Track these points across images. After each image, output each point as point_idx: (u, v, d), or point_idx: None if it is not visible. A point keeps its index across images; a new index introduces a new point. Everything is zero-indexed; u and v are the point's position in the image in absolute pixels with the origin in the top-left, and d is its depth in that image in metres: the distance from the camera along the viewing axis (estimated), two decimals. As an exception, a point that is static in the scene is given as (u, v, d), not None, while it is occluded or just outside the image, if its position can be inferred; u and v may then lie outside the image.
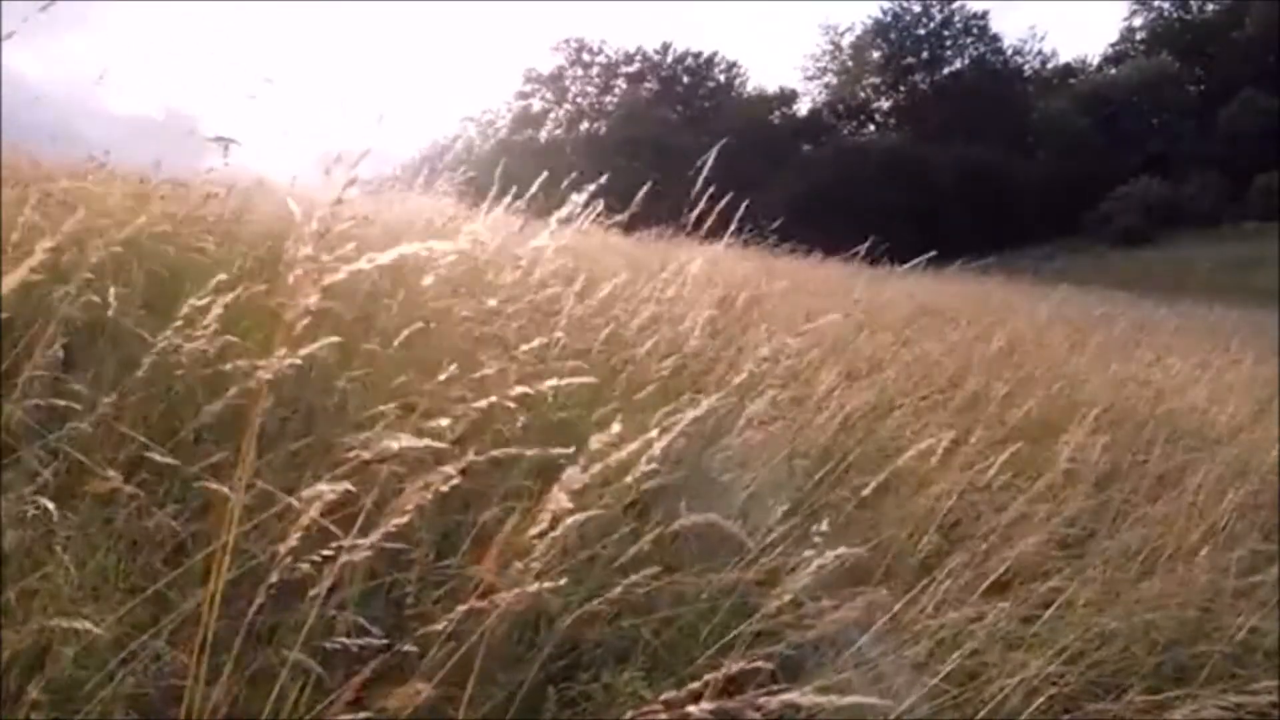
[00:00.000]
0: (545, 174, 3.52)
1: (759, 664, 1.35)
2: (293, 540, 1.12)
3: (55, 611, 1.38)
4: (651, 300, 3.48)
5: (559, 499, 1.16)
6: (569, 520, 1.20)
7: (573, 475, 1.17)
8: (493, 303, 2.75)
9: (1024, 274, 14.23)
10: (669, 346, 3.19)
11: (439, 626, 1.21)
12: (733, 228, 4.14)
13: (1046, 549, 2.48)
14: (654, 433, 1.32)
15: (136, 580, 1.59)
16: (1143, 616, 2.18)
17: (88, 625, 1.27)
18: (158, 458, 1.66)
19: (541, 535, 1.19)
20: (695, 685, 1.24)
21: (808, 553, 1.51)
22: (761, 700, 1.04)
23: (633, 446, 1.28)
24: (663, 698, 1.15)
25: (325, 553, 1.16)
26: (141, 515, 1.72)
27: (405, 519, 1.15)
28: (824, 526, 1.85)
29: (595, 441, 1.21)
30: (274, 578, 1.12)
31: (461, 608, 1.16)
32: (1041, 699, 1.74)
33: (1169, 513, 2.84)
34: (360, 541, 1.16)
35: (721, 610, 1.89)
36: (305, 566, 1.16)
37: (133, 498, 1.69)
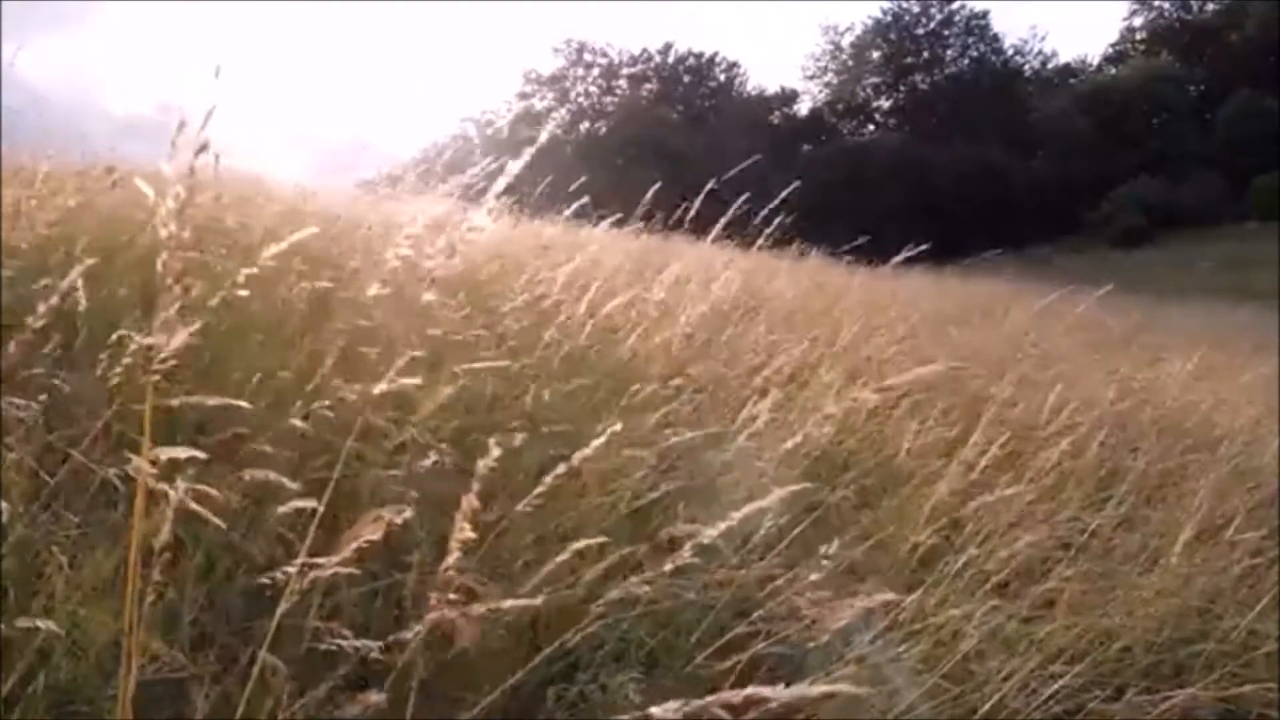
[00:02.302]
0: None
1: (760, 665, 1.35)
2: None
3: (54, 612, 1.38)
4: (648, 300, 3.48)
5: (462, 527, 1.12)
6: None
7: (468, 500, 1.13)
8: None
9: (1023, 274, 14.19)
10: (665, 346, 3.18)
11: (407, 635, 1.20)
12: (732, 228, 4.15)
13: (1046, 548, 2.48)
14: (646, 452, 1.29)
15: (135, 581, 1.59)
16: (1142, 617, 2.17)
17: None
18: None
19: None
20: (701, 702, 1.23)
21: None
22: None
23: (629, 452, 1.25)
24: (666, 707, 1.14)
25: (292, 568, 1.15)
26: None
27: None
28: (833, 548, 1.84)
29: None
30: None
31: (431, 616, 1.15)
32: (1041, 698, 1.74)
33: (1169, 512, 2.84)
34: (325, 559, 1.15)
35: (720, 611, 1.89)
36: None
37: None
